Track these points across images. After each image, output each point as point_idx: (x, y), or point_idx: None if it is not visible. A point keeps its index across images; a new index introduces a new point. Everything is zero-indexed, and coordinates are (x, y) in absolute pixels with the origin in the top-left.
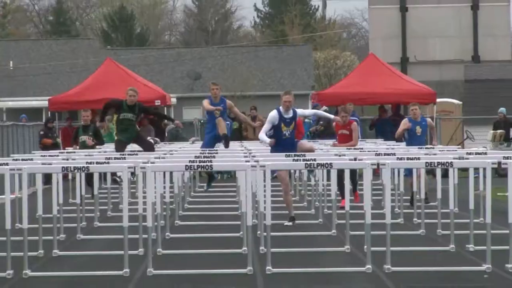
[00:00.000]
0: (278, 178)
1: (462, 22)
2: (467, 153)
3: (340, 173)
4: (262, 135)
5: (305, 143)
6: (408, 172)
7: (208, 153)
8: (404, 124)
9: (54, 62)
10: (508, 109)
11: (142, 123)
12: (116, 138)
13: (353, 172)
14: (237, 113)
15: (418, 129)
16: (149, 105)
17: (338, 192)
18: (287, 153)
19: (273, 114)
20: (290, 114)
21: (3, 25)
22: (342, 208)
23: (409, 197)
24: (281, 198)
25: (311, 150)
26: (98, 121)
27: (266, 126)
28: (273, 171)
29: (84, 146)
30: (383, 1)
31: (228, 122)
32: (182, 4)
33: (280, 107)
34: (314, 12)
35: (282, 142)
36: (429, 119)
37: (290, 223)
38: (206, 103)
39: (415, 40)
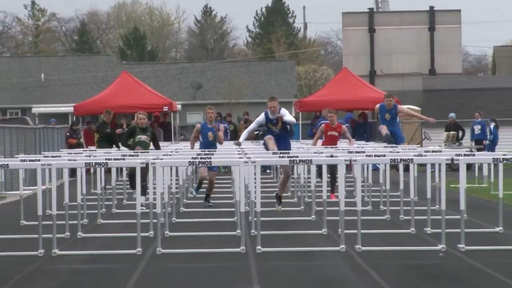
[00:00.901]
0: (283, 171)
1: (421, 41)
2: (425, 151)
3: (332, 171)
4: (244, 133)
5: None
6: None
7: (208, 151)
8: (376, 108)
9: (78, 75)
10: (460, 114)
11: (153, 125)
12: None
13: (333, 174)
14: (220, 138)
15: (387, 115)
16: (157, 110)
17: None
18: (274, 151)
19: (261, 116)
20: (275, 115)
21: (36, 44)
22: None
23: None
24: (269, 189)
25: (288, 175)
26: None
27: (252, 126)
28: (264, 167)
29: (140, 144)
30: (354, 24)
31: (225, 125)
32: (186, 26)
33: (268, 111)
34: (297, 33)
35: (274, 136)
36: (400, 106)
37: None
38: (196, 133)
39: (381, 56)
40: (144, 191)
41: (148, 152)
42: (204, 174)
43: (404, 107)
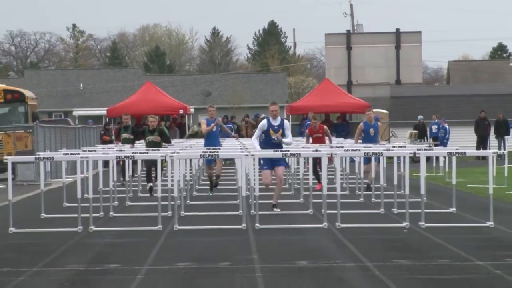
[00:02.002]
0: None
1: (388, 56)
2: (392, 146)
3: (315, 163)
4: (254, 141)
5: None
6: (366, 161)
7: (213, 148)
8: (360, 127)
9: (111, 84)
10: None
11: (170, 126)
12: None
13: (316, 166)
14: (224, 128)
15: (372, 131)
16: (175, 114)
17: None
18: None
19: (263, 122)
20: (278, 122)
21: (76, 59)
22: (318, 190)
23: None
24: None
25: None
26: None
27: (257, 133)
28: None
29: (150, 145)
30: (335, 43)
31: (230, 125)
32: (198, 45)
33: (269, 116)
34: (288, 50)
35: (270, 146)
36: (379, 123)
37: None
38: (204, 125)
39: (356, 69)
40: (149, 178)
41: (158, 150)
42: (210, 170)
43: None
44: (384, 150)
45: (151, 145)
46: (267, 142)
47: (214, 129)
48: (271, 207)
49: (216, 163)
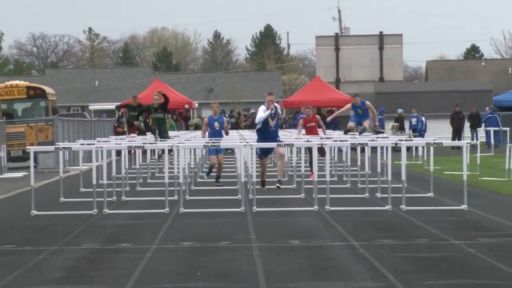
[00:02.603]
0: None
1: (373, 56)
2: (376, 137)
3: (310, 154)
4: (261, 113)
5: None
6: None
7: (216, 139)
8: (347, 107)
9: (123, 81)
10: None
11: (177, 119)
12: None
13: (311, 156)
14: (226, 129)
15: (360, 110)
16: (181, 108)
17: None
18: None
19: (262, 107)
20: (273, 110)
21: (92, 59)
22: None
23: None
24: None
25: (282, 154)
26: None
27: (260, 112)
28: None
29: (156, 120)
30: (324, 44)
31: (228, 119)
32: (201, 46)
33: (266, 106)
34: (282, 51)
35: (268, 133)
36: (367, 102)
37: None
38: (204, 126)
39: (344, 68)
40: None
41: (165, 125)
42: (214, 161)
43: (370, 105)
44: (369, 140)
45: (157, 121)
46: (264, 131)
47: (218, 128)
48: (277, 182)
49: (218, 158)
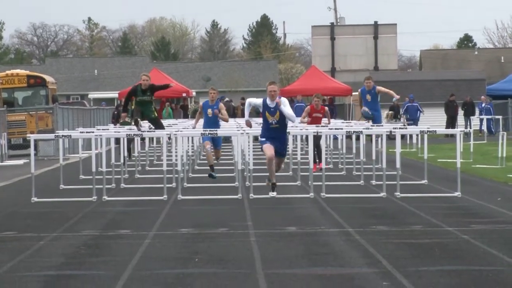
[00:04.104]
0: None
1: (368, 46)
2: (371, 125)
3: (317, 142)
4: (247, 106)
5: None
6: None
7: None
8: (358, 93)
9: (122, 71)
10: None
11: (175, 107)
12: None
13: (318, 147)
14: (224, 114)
15: (368, 96)
16: (177, 96)
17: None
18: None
19: (259, 99)
20: (275, 103)
21: (91, 48)
22: (314, 171)
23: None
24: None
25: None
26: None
27: (251, 100)
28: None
29: (141, 104)
30: (320, 34)
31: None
32: (199, 35)
33: (267, 98)
34: (279, 40)
35: (269, 131)
36: (377, 87)
37: (274, 193)
38: (199, 111)
39: (339, 57)
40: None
41: (152, 110)
42: (211, 158)
43: (381, 88)
44: (364, 129)
45: (140, 104)
46: (267, 128)
47: (210, 115)
48: (270, 185)
49: (216, 153)
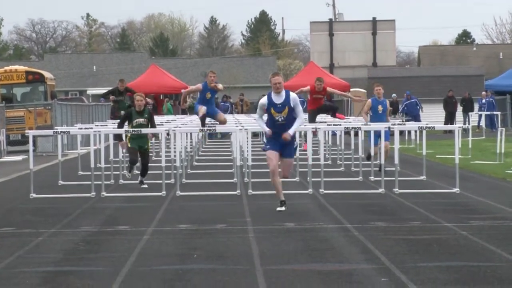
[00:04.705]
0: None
1: (366, 42)
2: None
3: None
4: (258, 121)
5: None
6: (376, 141)
7: (213, 122)
8: (368, 104)
9: (120, 67)
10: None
11: (174, 103)
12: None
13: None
14: (220, 87)
15: (380, 108)
16: (176, 92)
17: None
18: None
19: (262, 100)
20: (282, 99)
21: (90, 44)
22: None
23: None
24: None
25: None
26: (119, 141)
27: (258, 112)
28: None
29: (138, 126)
30: (319, 30)
31: (227, 104)
32: (198, 31)
33: (271, 93)
34: (277, 36)
35: (275, 127)
36: (387, 101)
37: (283, 208)
38: (194, 87)
39: (338, 53)
40: (145, 172)
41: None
42: (203, 110)
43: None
44: (362, 125)
45: (139, 128)
46: (273, 125)
47: (209, 98)
48: (279, 203)
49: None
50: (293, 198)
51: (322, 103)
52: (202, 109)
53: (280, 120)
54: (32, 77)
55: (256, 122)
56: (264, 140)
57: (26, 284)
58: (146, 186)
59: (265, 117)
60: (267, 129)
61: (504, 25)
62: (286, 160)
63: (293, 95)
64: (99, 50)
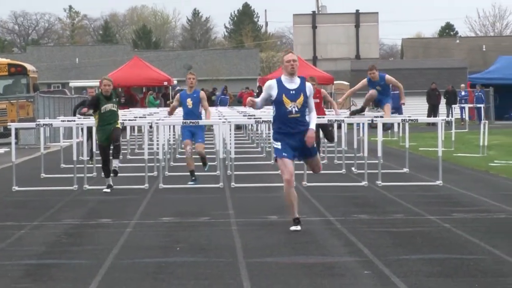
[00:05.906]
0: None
1: (349, 34)
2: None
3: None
4: (259, 101)
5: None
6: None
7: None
8: (362, 83)
9: (103, 59)
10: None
11: (157, 95)
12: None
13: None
14: (205, 106)
15: (378, 88)
16: (158, 85)
17: None
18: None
19: (270, 82)
20: (297, 84)
21: (72, 37)
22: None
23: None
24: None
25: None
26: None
27: (261, 95)
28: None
29: (109, 115)
30: (302, 22)
31: (227, 97)
32: (181, 24)
33: (281, 77)
34: (260, 29)
35: (286, 124)
36: (387, 76)
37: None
38: (175, 102)
39: (321, 46)
40: (118, 152)
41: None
42: (191, 163)
43: (392, 79)
44: (345, 117)
45: (108, 116)
46: (283, 120)
47: (190, 107)
48: (293, 221)
49: (198, 148)
50: (276, 190)
51: (323, 111)
52: (187, 147)
53: (293, 111)
54: (15, 69)
55: (239, 115)
56: (274, 144)
57: (8, 277)
58: (109, 190)
59: (264, 116)
60: (257, 101)
61: (487, 18)
62: (312, 160)
63: (308, 83)
64: (82, 42)
